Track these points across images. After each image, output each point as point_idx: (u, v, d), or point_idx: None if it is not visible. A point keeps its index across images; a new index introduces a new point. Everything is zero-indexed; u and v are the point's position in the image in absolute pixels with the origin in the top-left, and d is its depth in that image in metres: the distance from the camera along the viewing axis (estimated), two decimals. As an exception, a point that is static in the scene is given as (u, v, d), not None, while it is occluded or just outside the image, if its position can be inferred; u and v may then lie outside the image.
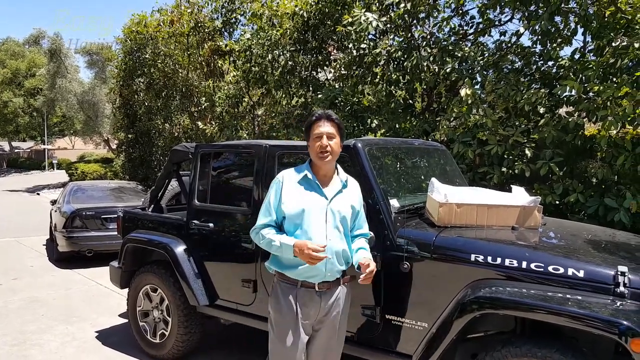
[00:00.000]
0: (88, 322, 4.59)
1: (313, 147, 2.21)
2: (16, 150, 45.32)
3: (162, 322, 3.66)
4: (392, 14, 6.02)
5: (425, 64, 5.60)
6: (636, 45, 4.07)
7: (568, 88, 4.40)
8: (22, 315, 4.77)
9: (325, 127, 2.20)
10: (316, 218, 2.17)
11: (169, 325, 3.56)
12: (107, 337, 4.22)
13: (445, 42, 5.83)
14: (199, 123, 10.26)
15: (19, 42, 34.93)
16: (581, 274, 2.13)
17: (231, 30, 10.19)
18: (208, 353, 3.80)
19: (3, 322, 4.57)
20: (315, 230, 2.16)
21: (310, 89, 7.49)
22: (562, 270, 2.16)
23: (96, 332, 4.34)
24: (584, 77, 4.52)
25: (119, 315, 4.74)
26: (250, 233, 2.30)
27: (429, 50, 5.87)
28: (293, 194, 2.20)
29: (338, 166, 2.32)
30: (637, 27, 4.38)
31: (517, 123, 4.89)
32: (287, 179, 2.23)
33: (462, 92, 4.89)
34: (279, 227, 2.25)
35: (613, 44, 4.31)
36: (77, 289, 5.74)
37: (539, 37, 5.08)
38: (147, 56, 11.59)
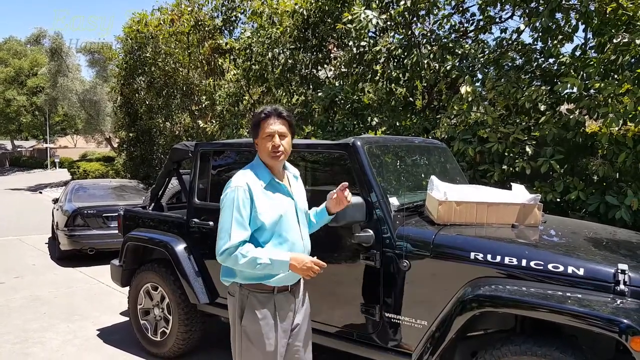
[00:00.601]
0: (90, 320, 4.60)
1: (264, 147, 2.05)
2: (18, 149, 45.46)
3: (162, 320, 3.67)
4: (392, 12, 6.01)
5: (425, 61, 5.59)
6: (637, 41, 4.05)
7: (569, 85, 4.39)
8: (24, 314, 4.79)
9: (277, 126, 2.03)
10: (292, 221, 2.09)
11: (170, 323, 3.57)
12: (108, 335, 4.23)
13: (445, 40, 5.82)
14: (200, 121, 10.27)
15: (20, 41, 35.00)
16: (581, 272, 2.13)
17: (231, 28, 10.20)
18: (208, 351, 3.81)
19: (5, 321, 4.59)
20: (293, 234, 2.08)
21: (311, 87, 7.48)
22: (562, 268, 2.16)
23: (98, 330, 4.35)
24: (585, 74, 4.50)
25: (120, 314, 4.75)
26: (220, 255, 1.96)
27: (429, 48, 5.85)
28: (265, 201, 2.02)
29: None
30: (638, 23, 4.35)
31: (517, 120, 4.87)
32: (254, 186, 2.00)
33: (463, 89, 4.88)
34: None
35: (614, 41, 4.29)
36: (78, 287, 5.76)
37: (540, 34, 5.06)
38: (147, 55, 11.60)
